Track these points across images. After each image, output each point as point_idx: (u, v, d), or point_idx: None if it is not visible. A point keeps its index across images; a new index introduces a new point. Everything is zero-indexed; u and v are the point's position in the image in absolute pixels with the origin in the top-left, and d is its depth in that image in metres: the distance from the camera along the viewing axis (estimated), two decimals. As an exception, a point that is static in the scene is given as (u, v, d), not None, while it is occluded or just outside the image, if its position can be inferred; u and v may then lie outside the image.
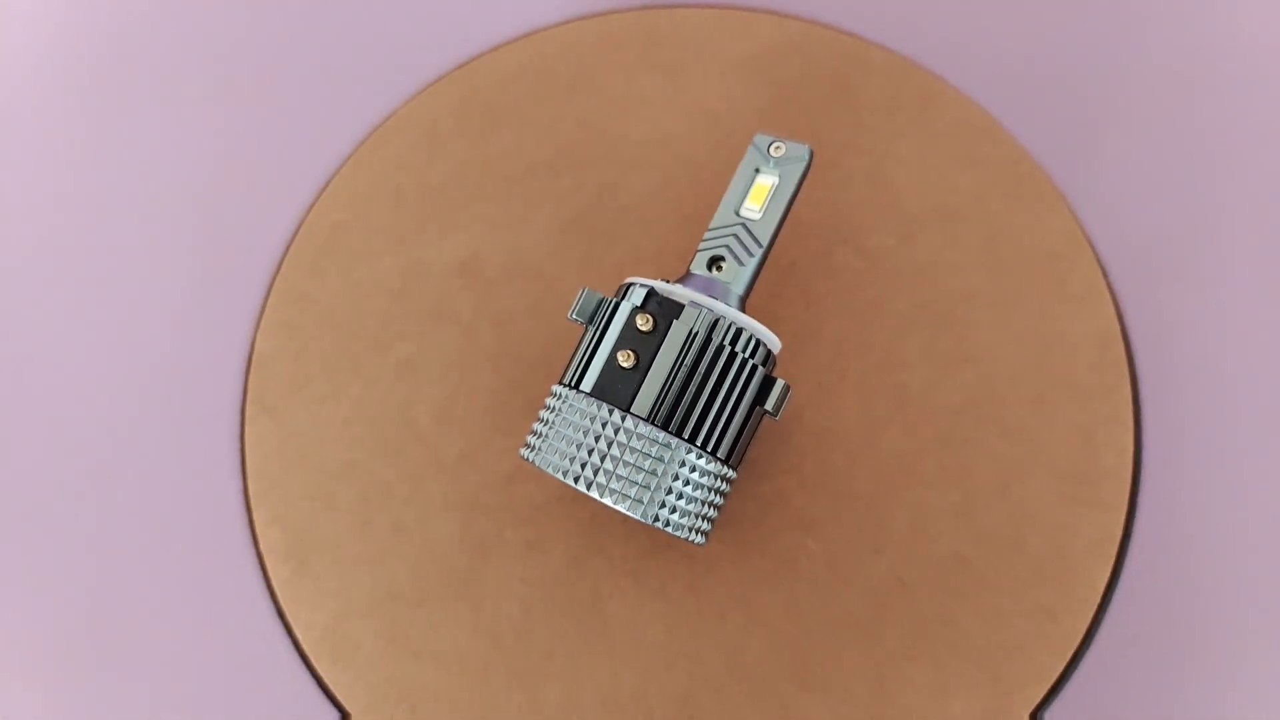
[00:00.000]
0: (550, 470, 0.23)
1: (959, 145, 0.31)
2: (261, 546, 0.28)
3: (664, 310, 0.23)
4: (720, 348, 0.23)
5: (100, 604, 0.28)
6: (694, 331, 0.23)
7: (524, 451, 0.24)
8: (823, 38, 0.33)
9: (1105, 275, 0.30)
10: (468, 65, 0.33)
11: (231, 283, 0.30)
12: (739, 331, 0.23)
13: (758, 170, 0.25)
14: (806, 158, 0.25)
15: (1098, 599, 0.27)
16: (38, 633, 0.28)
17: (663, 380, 0.23)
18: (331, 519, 0.28)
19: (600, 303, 0.24)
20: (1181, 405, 0.29)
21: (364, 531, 0.28)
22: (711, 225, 0.25)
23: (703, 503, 0.23)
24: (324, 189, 0.31)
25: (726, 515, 0.27)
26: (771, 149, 0.25)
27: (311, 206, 0.31)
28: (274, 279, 0.30)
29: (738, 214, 0.25)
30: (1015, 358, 0.29)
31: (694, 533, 0.23)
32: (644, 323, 0.23)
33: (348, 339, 0.30)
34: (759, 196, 0.25)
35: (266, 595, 0.28)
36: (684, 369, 0.23)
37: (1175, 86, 0.32)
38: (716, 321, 0.23)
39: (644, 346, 0.23)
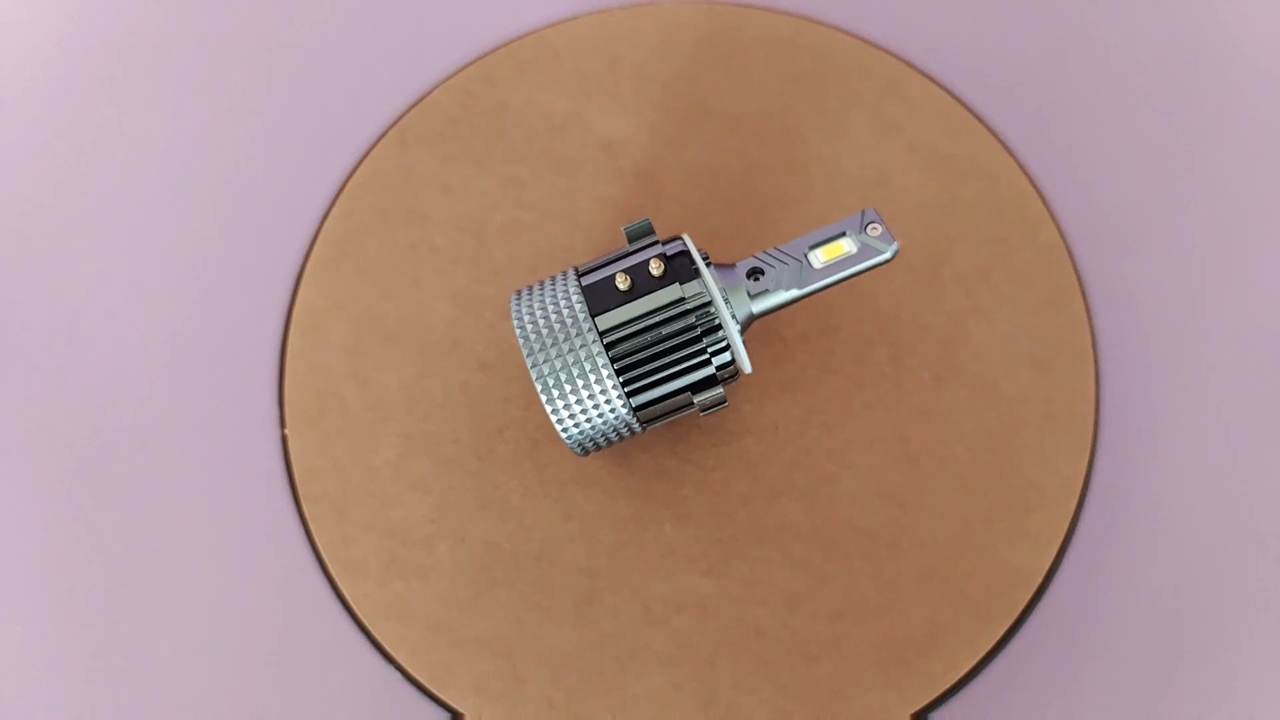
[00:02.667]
0: (514, 319, 0.27)
1: (916, 120, 0.33)
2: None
3: (679, 270, 0.26)
4: (692, 326, 0.26)
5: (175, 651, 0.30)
6: (684, 299, 0.26)
7: (516, 294, 0.28)
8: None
9: (1066, 244, 0.32)
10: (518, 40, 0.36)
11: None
12: (716, 328, 0.26)
13: (845, 234, 0.27)
14: (889, 253, 0.27)
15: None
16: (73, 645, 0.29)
17: (633, 317, 0.26)
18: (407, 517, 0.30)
19: (647, 234, 0.28)
20: (1142, 400, 0.31)
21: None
22: (779, 247, 0.28)
23: (595, 428, 0.27)
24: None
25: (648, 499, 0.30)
26: (869, 228, 0.27)
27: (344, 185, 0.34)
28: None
29: (805, 253, 0.27)
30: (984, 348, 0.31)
31: (575, 443, 0.27)
32: (656, 268, 0.26)
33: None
34: (831, 252, 0.27)
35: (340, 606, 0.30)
36: (655, 323, 0.26)
37: (1138, 58, 0.34)
38: (707, 306, 0.26)
39: (643, 284, 0.26)
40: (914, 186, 0.33)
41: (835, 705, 0.28)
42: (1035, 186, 0.33)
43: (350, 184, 0.34)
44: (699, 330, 0.26)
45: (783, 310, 0.31)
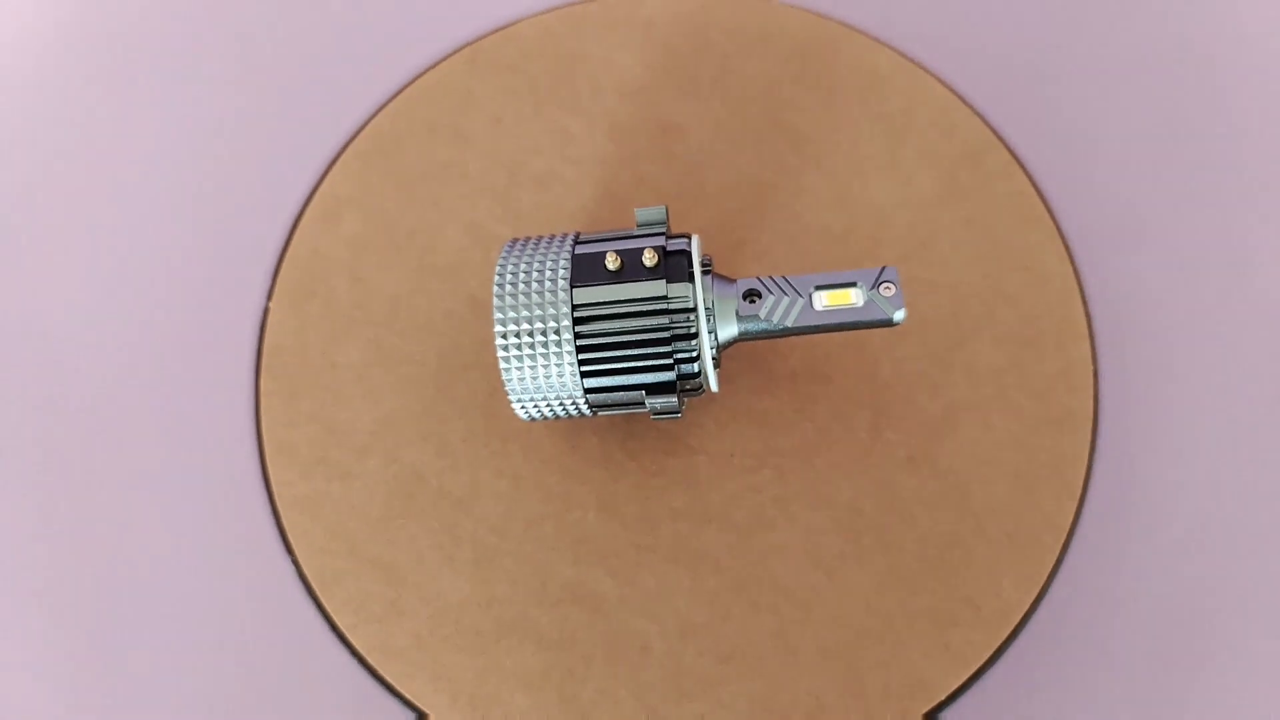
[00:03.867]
0: (498, 265, 0.26)
1: (915, 121, 0.32)
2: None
3: (672, 267, 0.25)
4: (665, 327, 0.25)
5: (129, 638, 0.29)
6: (666, 298, 0.25)
7: (511, 242, 0.27)
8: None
9: (1066, 245, 0.31)
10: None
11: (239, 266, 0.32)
12: (690, 336, 0.25)
13: (857, 284, 0.26)
14: (891, 319, 0.25)
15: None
16: (59, 634, 0.29)
17: (610, 300, 0.25)
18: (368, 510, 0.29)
19: (658, 223, 0.27)
20: (1139, 397, 0.30)
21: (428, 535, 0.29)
22: (787, 277, 0.27)
23: (542, 395, 0.26)
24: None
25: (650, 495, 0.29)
26: (882, 287, 0.26)
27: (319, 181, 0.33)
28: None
29: (811, 291, 0.26)
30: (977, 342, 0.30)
31: (520, 405, 0.26)
32: (650, 258, 0.25)
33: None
34: (836, 299, 0.26)
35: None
36: (630, 312, 0.25)
37: (1139, 57, 0.33)
38: (688, 312, 0.25)
39: (631, 271, 0.25)
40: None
41: (693, 746, 0.27)
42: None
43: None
44: (670, 333, 0.25)
45: (778, 341, 0.30)
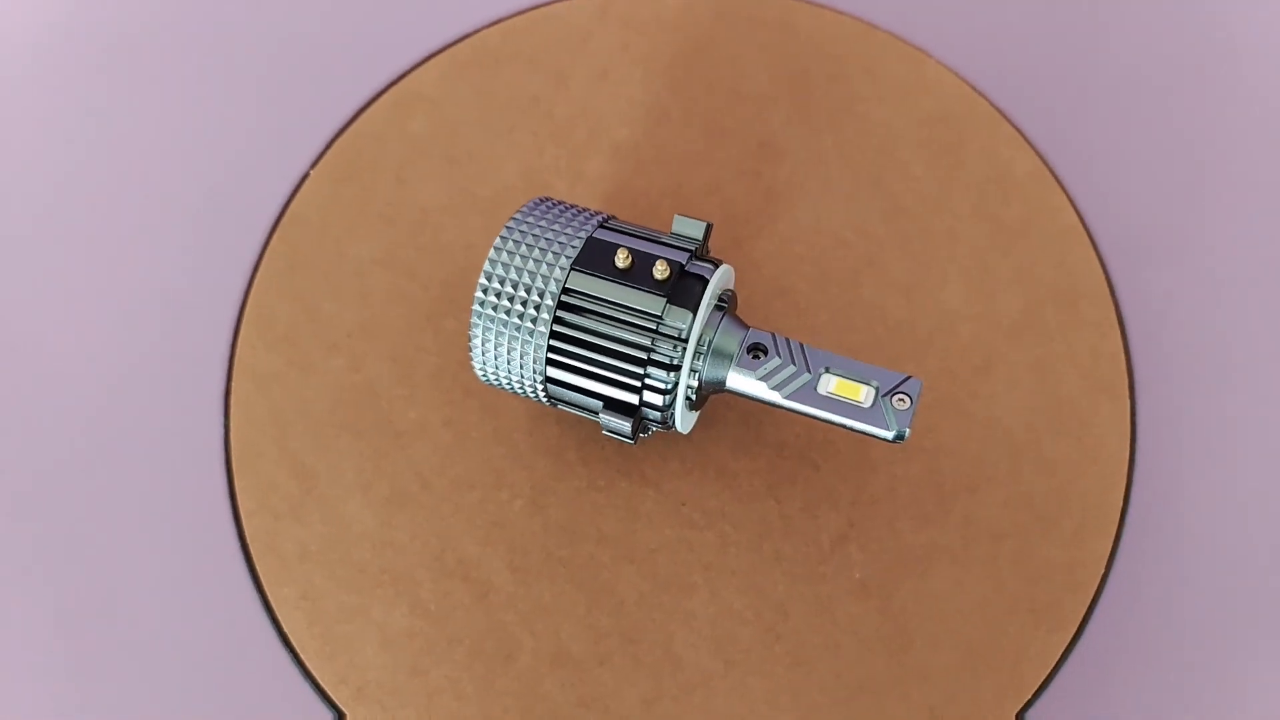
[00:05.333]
0: (516, 214, 0.24)
1: (945, 124, 0.30)
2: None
3: (681, 289, 0.23)
4: (645, 348, 0.23)
5: (79, 599, 0.27)
6: (659, 319, 0.23)
7: (540, 199, 0.26)
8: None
9: (1100, 259, 0.29)
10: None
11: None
12: (671, 367, 0.23)
13: (874, 383, 0.23)
14: (889, 434, 0.23)
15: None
16: (15, 627, 0.27)
17: (602, 297, 0.23)
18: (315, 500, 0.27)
19: (694, 239, 0.24)
20: (1177, 398, 0.28)
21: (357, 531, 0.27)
22: (804, 345, 0.24)
23: (507, 368, 0.24)
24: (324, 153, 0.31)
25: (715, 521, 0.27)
26: (896, 398, 0.23)
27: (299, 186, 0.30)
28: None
29: (821, 370, 0.23)
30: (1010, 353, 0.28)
31: (479, 366, 0.24)
32: (661, 271, 0.23)
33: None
34: (844, 389, 0.23)
35: (256, 595, 0.26)
36: (617, 318, 0.23)
37: (1171, 68, 0.31)
38: (677, 340, 0.23)
39: (638, 276, 0.23)
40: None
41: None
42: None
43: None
44: (649, 356, 0.23)
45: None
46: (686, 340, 0.23)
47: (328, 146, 0.31)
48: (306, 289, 0.30)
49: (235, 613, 0.27)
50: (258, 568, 0.27)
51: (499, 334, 0.24)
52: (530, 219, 0.24)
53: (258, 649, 0.26)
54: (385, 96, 0.32)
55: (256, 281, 0.30)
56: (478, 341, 0.24)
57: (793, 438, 0.27)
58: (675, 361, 0.23)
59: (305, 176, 0.31)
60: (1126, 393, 0.27)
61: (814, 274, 0.29)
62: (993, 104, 0.31)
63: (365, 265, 0.30)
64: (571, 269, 0.23)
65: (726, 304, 0.24)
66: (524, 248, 0.24)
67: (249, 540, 0.27)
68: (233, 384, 0.29)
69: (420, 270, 0.29)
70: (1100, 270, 0.29)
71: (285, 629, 0.26)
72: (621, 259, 0.23)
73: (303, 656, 0.26)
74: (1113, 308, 0.28)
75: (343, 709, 0.26)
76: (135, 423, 0.29)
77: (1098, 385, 0.28)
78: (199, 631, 0.27)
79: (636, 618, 0.26)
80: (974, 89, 0.31)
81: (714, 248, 0.29)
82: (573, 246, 0.23)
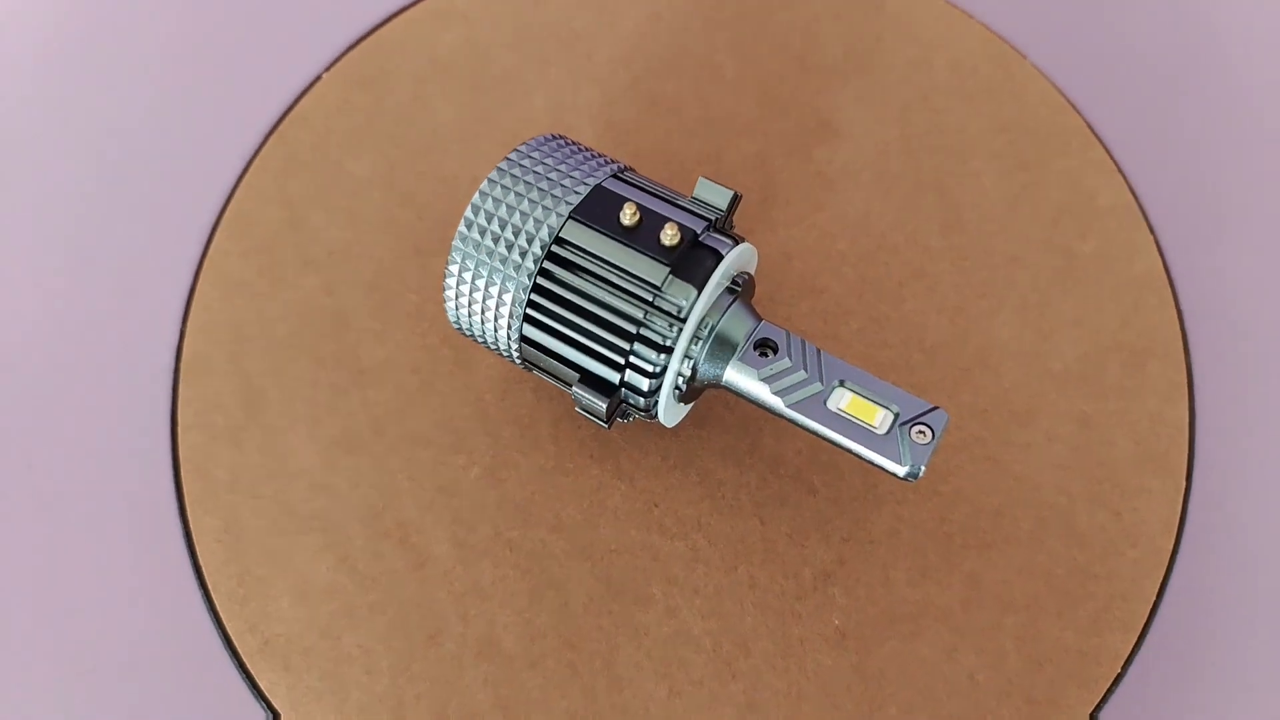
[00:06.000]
0: (520, 147, 0.21)
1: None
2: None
3: (690, 261, 0.20)
4: (637, 321, 0.20)
5: (16, 589, 0.24)
6: (659, 290, 0.20)
7: (552, 135, 0.22)
8: None
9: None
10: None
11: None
12: (663, 349, 0.20)
13: (894, 408, 0.20)
14: (907, 468, 0.19)
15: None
16: None
17: (598, 254, 0.20)
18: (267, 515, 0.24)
19: (719, 207, 0.21)
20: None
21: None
22: (820, 351, 0.21)
23: (480, 316, 0.21)
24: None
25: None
26: (916, 430, 0.20)
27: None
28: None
29: (836, 382, 0.20)
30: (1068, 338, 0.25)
31: (452, 306, 0.22)
32: (671, 236, 0.20)
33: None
34: (858, 408, 0.20)
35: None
36: (611, 281, 0.20)
37: (1225, 46, 0.27)
38: (675, 319, 0.20)
39: (643, 238, 0.20)
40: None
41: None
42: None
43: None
44: (639, 331, 0.20)
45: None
46: (685, 320, 0.19)
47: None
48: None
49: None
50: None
51: (477, 274, 0.21)
52: (536, 154, 0.21)
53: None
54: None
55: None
56: (453, 279, 0.21)
57: (793, 454, 0.24)
58: (668, 342, 0.20)
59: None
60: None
61: (852, 276, 0.26)
62: (1086, 121, 0.27)
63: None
64: (570, 217, 0.20)
65: (740, 288, 0.21)
66: (522, 185, 0.21)
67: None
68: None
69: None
70: (1178, 328, 0.25)
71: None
72: (628, 215, 0.20)
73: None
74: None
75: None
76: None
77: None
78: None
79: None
80: (1068, 100, 0.27)
81: (743, 226, 0.26)
82: (575, 193, 0.20)
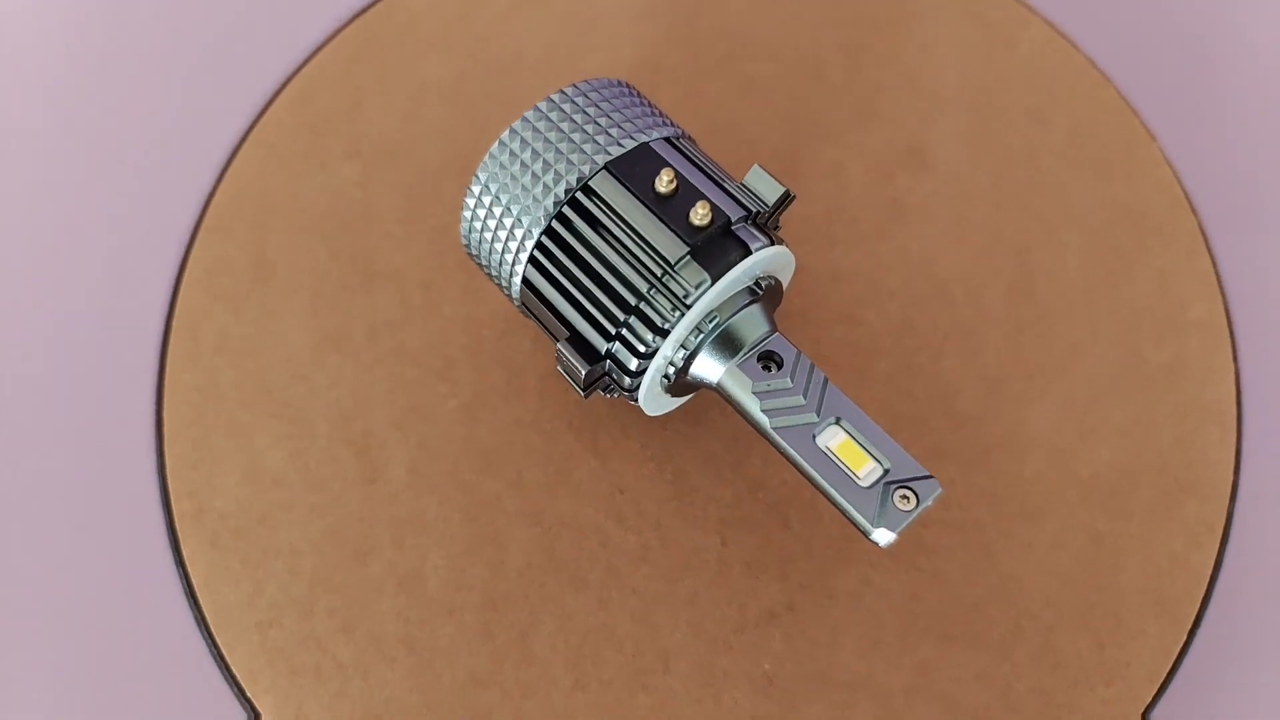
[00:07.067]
0: (566, 90, 0.20)
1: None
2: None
3: (715, 246, 0.18)
4: (640, 294, 0.18)
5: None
6: (672, 268, 0.18)
7: (617, 82, 0.21)
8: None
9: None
10: None
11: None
12: (659, 330, 0.18)
13: (884, 463, 0.18)
14: (876, 529, 0.18)
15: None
16: None
17: (619, 213, 0.19)
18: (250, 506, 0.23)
19: (760, 198, 0.19)
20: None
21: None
22: (827, 382, 0.19)
23: (491, 243, 0.20)
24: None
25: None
26: (901, 493, 0.18)
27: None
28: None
29: (832, 419, 0.19)
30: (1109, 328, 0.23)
31: (468, 227, 0.21)
32: (701, 216, 0.18)
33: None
34: (847, 452, 0.18)
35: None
36: (624, 245, 0.18)
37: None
38: (680, 303, 0.18)
39: (673, 210, 0.19)
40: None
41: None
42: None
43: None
44: (638, 304, 0.18)
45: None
46: (689, 306, 0.18)
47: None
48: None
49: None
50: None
51: (496, 199, 0.20)
52: (594, 95, 0.20)
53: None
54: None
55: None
56: (472, 199, 0.20)
57: (777, 482, 0.23)
58: (665, 325, 0.18)
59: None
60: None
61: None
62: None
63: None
64: (605, 168, 0.19)
65: (762, 292, 0.19)
66: (569, 122, 0.19)
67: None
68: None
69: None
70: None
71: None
72: (664, 181, 0.19)
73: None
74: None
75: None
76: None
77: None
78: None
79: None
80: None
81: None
82: (620, 145, 0.19)
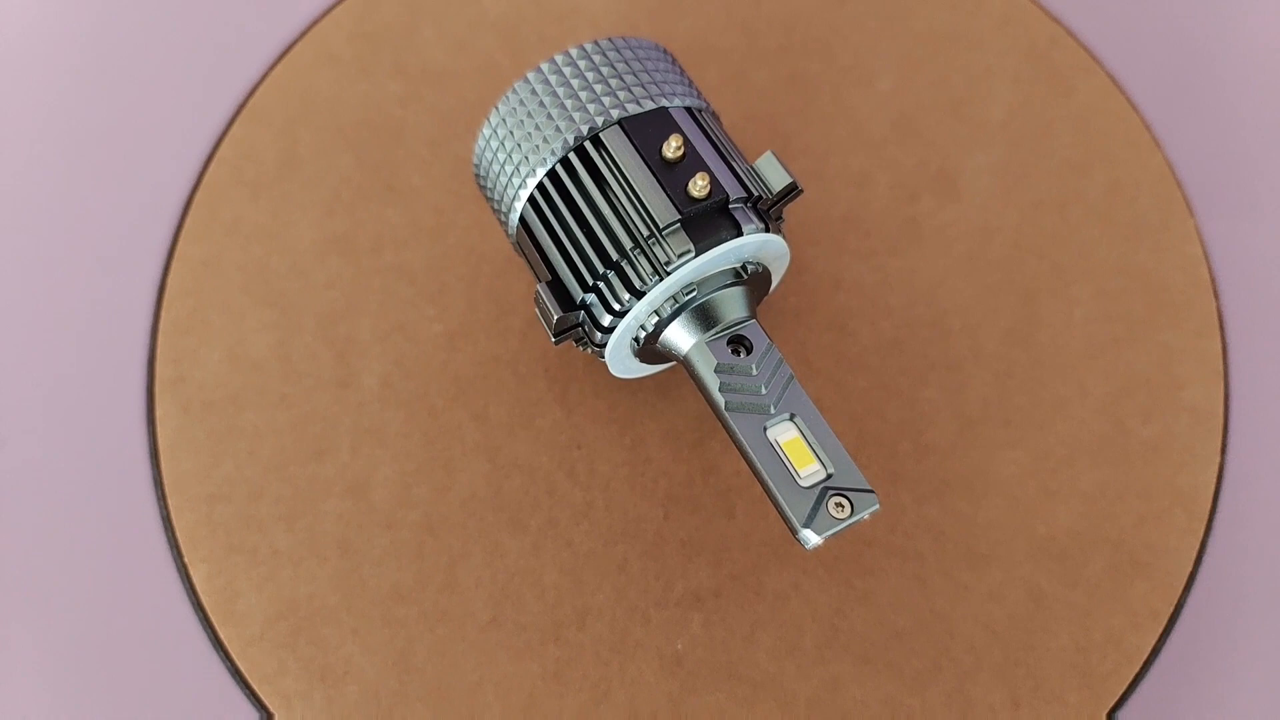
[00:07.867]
0: (585, 45, 0.20)
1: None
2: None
3: (708, 221, 0.18)
4: (624, 251, 0.18)
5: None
6: (660, 232, 0.18)
7: (661, 44, 0.21)
8: None
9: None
10: None
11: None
12: (635, 291, 0.18)
13: (829, 468, 0.18)
14: (803, 530, 0.18)
15: (1132, 673, 0.21)
16: None
17: (621, 170, 0.19)
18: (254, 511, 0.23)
19: (768, 182, 0.19)
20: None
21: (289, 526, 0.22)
22: (793, 380, 0.19)
23: (498, 171, 0.20)
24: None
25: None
26: (836, 501, 0.18)
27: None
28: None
29: (789, 415, 0.19)
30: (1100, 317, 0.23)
31: (482, 148, 0.21)
32: (700, 188, 0.18)
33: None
34: (794, 451, 0.18)
35: (185, 589, 0.22)
36: (619, 200, 0.19)
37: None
38: (663, 269, 0.18)
39: (673, 177, 0.19)
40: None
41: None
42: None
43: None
44: (618, 261, 0.18)
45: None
46: (668, 273, 0.18)
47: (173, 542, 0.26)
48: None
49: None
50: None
51: (511, 130, 0.20)
52: (629, 53, 0.20)
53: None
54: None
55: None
56: (489, 128, 0.20)
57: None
58: (642, 287, 0.18)
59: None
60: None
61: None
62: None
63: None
64: (618, 123, 0.19)
65: (747, 276, 0.19)
66: (596, 72, 0.20)
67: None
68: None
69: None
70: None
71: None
72: (671, 147, 0.19)
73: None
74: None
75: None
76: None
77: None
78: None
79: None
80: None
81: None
82: (639, 104, 0.19)
